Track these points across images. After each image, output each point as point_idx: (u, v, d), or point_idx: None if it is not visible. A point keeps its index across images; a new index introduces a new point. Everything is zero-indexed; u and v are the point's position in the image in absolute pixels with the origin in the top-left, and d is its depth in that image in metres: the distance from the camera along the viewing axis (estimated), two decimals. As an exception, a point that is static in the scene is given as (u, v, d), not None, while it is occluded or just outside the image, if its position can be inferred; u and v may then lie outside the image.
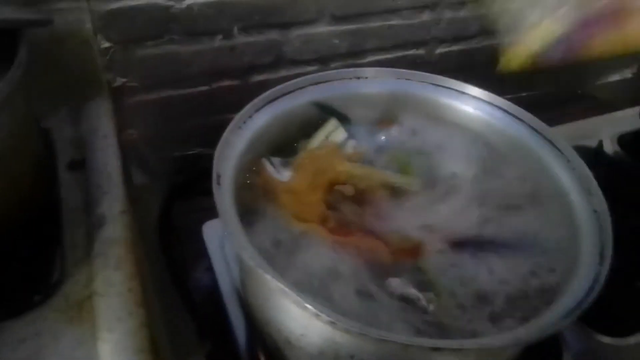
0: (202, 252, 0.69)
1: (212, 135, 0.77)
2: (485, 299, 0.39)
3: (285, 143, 0.51)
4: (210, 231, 0.60)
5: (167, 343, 0.81)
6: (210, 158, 0.79)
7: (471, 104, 0.53)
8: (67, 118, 0.59)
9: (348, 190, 0.47)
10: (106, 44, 0.62)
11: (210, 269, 0.66)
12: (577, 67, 1.00)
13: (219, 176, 0.40)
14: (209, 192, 0.78)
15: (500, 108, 0.52)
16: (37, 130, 0.50)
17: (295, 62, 0.75)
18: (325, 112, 0.53)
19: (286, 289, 0.32)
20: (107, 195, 0.49)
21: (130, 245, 0.46)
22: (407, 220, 0.46)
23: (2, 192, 0.40)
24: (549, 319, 0.33)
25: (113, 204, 0.49)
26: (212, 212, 0.69)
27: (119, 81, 0.66)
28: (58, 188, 0.50)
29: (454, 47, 0.86)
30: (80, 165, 0.53)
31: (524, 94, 1.03)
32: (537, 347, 0.44)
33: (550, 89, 1.02)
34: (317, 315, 0.32)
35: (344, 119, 0.54)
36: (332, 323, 0.31)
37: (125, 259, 0.45)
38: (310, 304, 0.32)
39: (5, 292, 0.41)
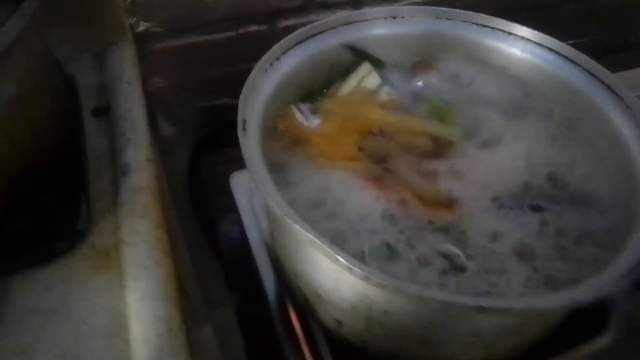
0: (230, 205, 0.67)
1: (239, 84, 0.74)
2: (530, 258, 0.36)
3: (315, 88, 0.48)
4: (238, 182, 0.58)
5: (199, 295, 0.82)
6: (237, 108, 0.77)
7: (519, 45, 0.48)
8: (90, 64, 0.58)
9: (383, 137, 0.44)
10: (128, -14, 0.59)
11: (238, 221, 0.65)
12: (630, 13, 0.92)
13: (244, 122, 0.38)
14: (237, 144, 0.76)
15: (551, 49, 0.47)
16: (59, 74, 0.48)
17: (326, 5, 0.70)
18: (357, 55, 0.49)
19: (316, 240, 0.30)
20: (132, 143, 0.48)
21: (156, 194, 0.45)
22: (445, 172, 0.43)
23: (23, 134, 0.38)
24: (605, 280, 0.30)
25: (138, 152, 0.47)
26: (240, 164, 0.67)
27: (143, 26, 0.63)
28: (83, 135, 0.49)
29: (497, -12, 0.79)
30: (104, 112, 0.52)
31: (570, 42, 0.96)
32: (582, 309, 0.41)
33: (600, 36, 0.94)
34: (349, 269, 0.29)
35: (377, 63, 0.50)
36: (365, 277, 0.29)
37: (151, 208, 0.44)
38: (342, 257, 0.30)
39: (31, 240, 0.40)
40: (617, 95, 0.43)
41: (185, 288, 0.77)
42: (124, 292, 0.39)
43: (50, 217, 0.42)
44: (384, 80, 0.49)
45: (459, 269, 0.36)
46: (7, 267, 0.39)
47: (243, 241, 0.62)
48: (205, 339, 0.79)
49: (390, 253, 0.37)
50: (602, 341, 0.46)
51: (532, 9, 0.82)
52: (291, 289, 0.43)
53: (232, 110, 0.79)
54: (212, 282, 0.74)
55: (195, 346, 0.63)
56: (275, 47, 0.44)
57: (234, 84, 0.75)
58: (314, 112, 0.46)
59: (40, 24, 0.41)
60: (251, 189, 0.58)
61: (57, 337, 0.36)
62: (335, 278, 0.35)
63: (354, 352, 0.40)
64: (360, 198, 0.39)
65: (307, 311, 0.42)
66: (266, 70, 0.43)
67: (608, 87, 0.44)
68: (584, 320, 0.46)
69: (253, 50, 0.71)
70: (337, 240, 0.37)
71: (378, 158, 0.42)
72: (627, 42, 0.99)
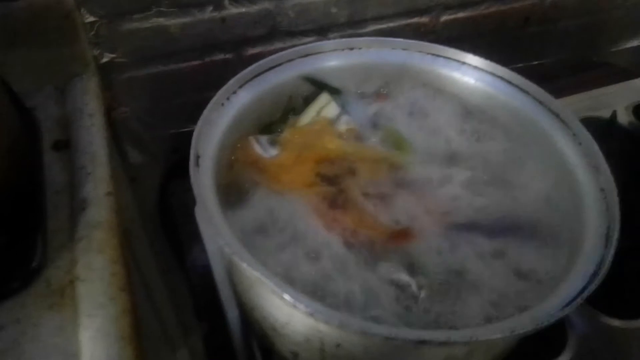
0: (199, 232, 0.67)
1: (207, 111, 0.74)
2: (480, 286, 0.37)
3: (273, 121, 0.48)
4: (202, 214, 0.58)
5: (173, 320, 0.81)
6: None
7: (472, 74, 0.50)
8: (52, 97, 0.58)
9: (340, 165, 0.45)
10: (90, 18, 0.59)
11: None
12: (591, 33, 0.95)
13: (197, 157, 0.38)
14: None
15: (502, 79, 0.49)
16: (14, 108, 0.48)
17: (291, 34, 0.71)
18: (316, 86, 0.50)
19: (263, 278, 0.30)
20: (91, 176, 0.48)
21: (114, 228, 0.45)
22: (400, 199, 0.44)
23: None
24: (546, 309, 0.31)
25: (98, 186, 0.47)
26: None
27: (107, 57, 0.64)
28: (42, 170, 0.49)
29: (460, 14, 0.81)
30: (65, 145, 0.52)
31: (535, 62, 0.98)
32: (541, 331, 0.42)
33: (563, 56, 0.97)
34: (294, 306, 0.30)
35: (336, 92, 0.51)
36: (310, 314, 0.29)
37: (108, 243, 0.43)
38: (288, 294, 0.30)
39: (-16, 278, 0.40)
40: (564, 122, 0.44)
41: (159, 312, 0.76)
42: (77, 331, 0.38)
43: (5, 255, 0.41)
44: (343, 110, 0.50)
45: (413, 297, 0.37)
46: (-44, 309, 0.38)
47: (210, 270, 0.61)
48: (180, 363, 0.78)
49: (348, 282, 0.37)
50: (560, 363, 0.46)
51: (496, 32, 0.85)
52: (250, 322, 0.43)
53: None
54: (188, 308, 0.74)
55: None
56: (232, 81, 0.45)
57: (201, 110, 0.75)
58: (273, 143, 0.47)
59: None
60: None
61: (8, 380, 0.36)
62: (287, 313, 0.35)
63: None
64: (314, 228, 0.40)
65: (265, 343, 0.42)
66: (222, 105, 0.43)
67: (556, 115, 0.45)
68: (543, 342, 0.46)
69: (220, 78, 0.71)
70: (292, 272, 0.37)
71: (334, 184, 0.43)
72: (590, 61, 1.02)
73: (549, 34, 0.90)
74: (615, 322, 0.50)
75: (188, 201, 0.74)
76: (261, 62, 0.47)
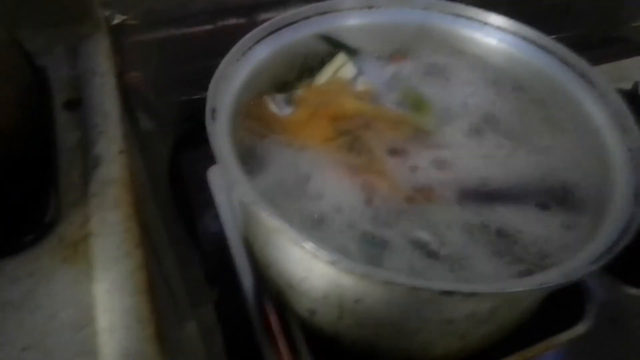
0: (211, 200, 0.67)
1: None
2: (504, 245, 0.36)
3: (289, 79, 0.47)
4: (216, 177, 0.58)
5: (183, 291, 0.81)
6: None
7: (495, 35, 0.48)
8: (63, 56, 0.57)
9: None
10: (102, -23, 0.58)
11: (217, 216, 0.65)
12: (611, 7, 0.93)
13: (214, 110, 0.37)
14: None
15: (526, 39, 0.47)
16: (26, 65, 0.47)
17: (307, -1, 0.70)
18: (333, 45, 0.49)
19: (283, 226, 0.30)
20: (104, 135, 0.47)
21: (128, 186, 0.44)
22: (419, 161, 0.43)
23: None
24: (574, 264, 0.30)
25: (110, 144, 0.47)
26: (219, 159, 0.67)
27: (118, 18, 0.62)
28: (54, 128, 0.48)
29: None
30: (76, 104, 0.51)
31: (553, 37, 0.96)
32: (559, 297, 0.41)
33: (581, 31, 0.94)
34: (316, 255, 0.29)
35: (353, 53, 0.49)
36: (332, 263, 0.29)
37: (123, 199, 0.43)
38: (309, 243, 0.29)
39: (-2, 232, 0.40)
40: (591, 83, 0.43)
41: (168, 283, 0.76)
42: (91, 284, 0.38)
43: (18, 209, 0.41)
44: (360, 71, 0.49)
45: (433, 255, 0.36)
46: (-29, 260, 0.38)
47: (222, 236, 0.61)
48: (188, 335, 0.78)
49: (365, 239, 0.37)
50: (579, 330, 0.46)
51: (512, 4, 0.83)
52: (265, 281, 0.43)
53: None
54: (197, 279, 0.73)
55: (177, 341, 0.62)
56: (248, 36, 0.44)
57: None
58: (288, 102, 0.46)
59: (3, 14, 0.40)
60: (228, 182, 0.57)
61: (22, 331, 0.35)
62: (305, 267, 0.34)
63: (329, 342, 0.40)
64: (334, 184, 0.39)
65: (281, 302, 0.42)
66: (238, 60, 0.42)
67: (583, 75, 0.44)
68: (561, 309, 0.46)
69: (232, 44, 0.70)
70: (308, 227, 0.36)
71: (352, 140, 0.42)
72: (609, 36, 0.99)
73: (567, 7, 0.88)
74: (634, 291, 0.49)
75: (199, 169, 0.73)
76: (278, 18, 0.46)
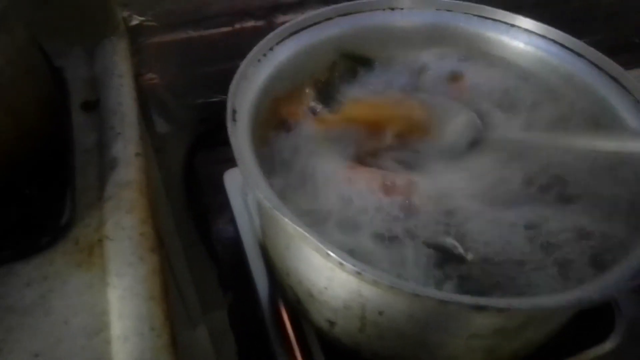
0: (225, 203, 0.66)
1: (235, 81, 0.72)
2: (535, 256, 0.34)
3: (310, 80, 0.46)
4: (232, 180, 0.57)
5: (193, 294, 0.80)
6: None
7: (522, 38, 0.47)
8: (81, 57, 0.56)
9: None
10: (120, -22, 0.58)
11: (232, 220, 0.64)
12: (636, 13, 0.91)
13: (234, 112, 0.36)
14: (232, 142, 0.74)
15: (555, 42, 0.45)
16: (45, 66, 0.46)
17: (325, 1, 0.68)
18: (353, 61, 0.47)
19: (307, 234, 0.28)
20: (121, 137, 0.46)
21: (143, 189, 0.43)
22: (445, 167, 0.41)
23: (3, 124, 0.37)
24: (611, 280, 0.28)
25: (127, 146, 0.46)
26: (234, 162, 0.66)
27: (136, 19, 0.62)
28: (71, 129, 0.48)
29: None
30: (94, 105, 0.50)
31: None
32: (589, 312, 0.40)
33: (606, 35, 0.92)
34: (341, 265, 0.28)
35: (371, 64, 0.48)
36: (357, 273, 0.27)
37: (138, 203, 0.42)
38: (333, 251, 0.28)
39: (13, 234, 0.39)
40: (624, 87, 0.41)
41: (180, 287, 0.75)
42: (106, 290, 0.37)
43: (34, 211, 0.40)
44: (382, 79, 0.48)
45: (459, 260, 0.34)
46: (-14, 261, 0.37)
47: (236, 240, 0.60)
48: (198, 339, 0.77)
49: (387, 245, 0.35)
50: (608, 346, 0.44)
51: (538, 5, 0.81)
52: (283, 289, 0.41)
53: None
54: (208, 283, 0.72)
55: (188, 346, 0.61)
56: (269, 37, 0.43)
57: (229, 80, 0.73)
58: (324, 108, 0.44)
59: (23, 14, 0.39)
60: (244, 186, 0.56)
61: (35, 335, 0.35)
62: (327, 276, 0.33)
63: (347, 353, 0.38)
64: (356, 187, 0.37)
65: (299, 311, 0.41)
66: (259, 61, 0.41)
67: (615, 79, 0.42)
68: (590, 325, 0.44)
69: (249, 46, 0.69)
70: (330, 235, 0.35)
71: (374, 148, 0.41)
72: (632, 43, 0.97)
73: (593, 11, 0.86)
74: (666, 307, 0.47)
75: (214, 172, 0.73)
76: (299, 19, 0.45)
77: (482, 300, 0.26)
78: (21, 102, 0.39)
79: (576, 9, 0.85)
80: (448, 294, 0.26)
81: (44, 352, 0.34)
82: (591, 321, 0.44)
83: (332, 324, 0.37)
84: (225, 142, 0.80)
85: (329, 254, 0.28)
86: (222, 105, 0.76)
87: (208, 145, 0.75)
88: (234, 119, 0.36)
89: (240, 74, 0.39)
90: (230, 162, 0.66)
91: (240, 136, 0.35)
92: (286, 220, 0.29)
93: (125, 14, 0.61)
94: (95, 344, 0.34)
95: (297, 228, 0.29)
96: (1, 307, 0.36)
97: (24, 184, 0.41)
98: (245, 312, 0.56)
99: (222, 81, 0.72)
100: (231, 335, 0.60)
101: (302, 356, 0.42)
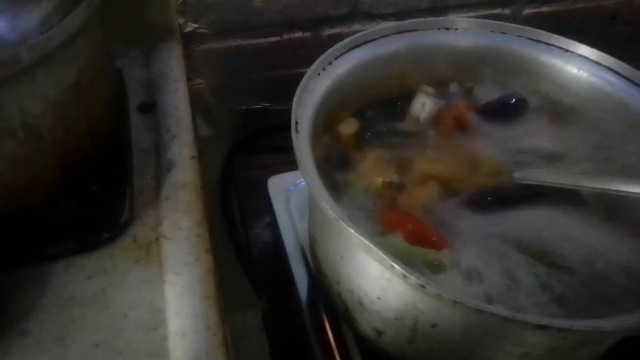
0: (262, 209, 0.67)
1: (280, 90, 0.73)
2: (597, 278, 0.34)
3: (366, 95, 0.47)
4: (276, 186, 0.58)
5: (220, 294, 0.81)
6: (276, 114, 0.76)
7: (575, 63, 0.47)
8: (138, 60, 0.58)
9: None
10: (180, -14, 0.60)
11: (270, 224, 0.65)
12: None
13: (297, 123, 0.37)
14: (271, 149, 0.76)
15: (609, 69, 0.46)
16: (112, 67, 0.48)
17: (371, 16, 0.70)
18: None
19: (372, 246, 0.29)
20: (177, 139, 0.48)
21: (199, 191, 0.45)
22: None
23: (79, 122, 0.39)
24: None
25: (183, 149, 0.47)
26: (274, 169, 0.67)
27: (190, 26, 0.64)
28: (129, 129, 0.49)
29: (544, 8, 0.78)
30: (150, 107, 0.52)
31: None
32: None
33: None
34: (404, 277, 0.28)
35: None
36: (421, 287, 0.28)
37: (194, 204, 0.43)
38: (397, 264, 0.29)
39: (75, 228, 0.40)
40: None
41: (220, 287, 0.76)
42: (163, 287, 0.38)
43: (97, 207, 0.42)
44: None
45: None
46: (52, 253, 0.38)
47: (275, 245, 0.61)
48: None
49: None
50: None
51: (580, 29, 0.81)
52: (330, 296, 0.42)
53: (269, 115, 0.79)
54: (233, 285, 0.74)
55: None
56: (329, 51, 0.44)
57: (273, 89, 0.75)
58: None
59: (100, 15, 0.41)
60: (288, 193, 0.57)
61: (96, 327, 0.36)
62: (383, 287, 0.34)
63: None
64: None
65: (344, 318, 0.41)
66: (319, 74, 0.43)
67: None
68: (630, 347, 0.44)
69: (295, 57, 0.71)
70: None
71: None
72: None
73: (635, 35, 0.86)
74: None
75: (252, 178, 0.74)
76: (357, 35, 0.46)
77: (546, 320, 0.26)
78: (95, 101, 0.41)
79: (619, 33, 0.85)
80: (512, 311, 0.27)
81: (104, 343, 0.35)
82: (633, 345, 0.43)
83: (379, 333, 0.38)
84: (263, 149, 0.82)
85: (393, 266, 0.29)
86: (263, 112, 0.78)
87: (247, 151, 0.77)
88: (297, 130, 0.37)
89: (302, 87, 0.40)
90: (267, 168, 0.68)
91: (303, 147, 0.36)
92: (351, 231, 0.30)
93: (181, 20, 0.63)
94: (153, 339, 0.36)
95: (362, 239, 0.30)
96: (64, 297, 0.37)
97: (91, 180, 0.42)
98: (281, 316, 0.57)
99: (266, 89, 0.74)
100: (254, 339, 0.61)
101: (343, 362, 0.43)
